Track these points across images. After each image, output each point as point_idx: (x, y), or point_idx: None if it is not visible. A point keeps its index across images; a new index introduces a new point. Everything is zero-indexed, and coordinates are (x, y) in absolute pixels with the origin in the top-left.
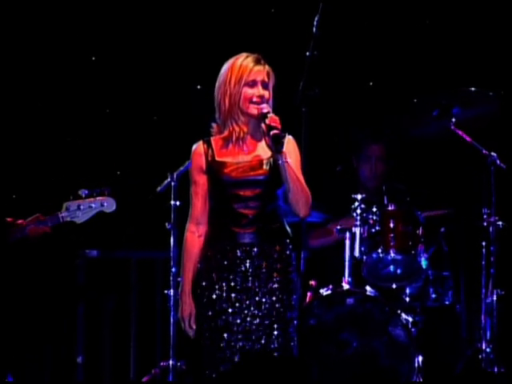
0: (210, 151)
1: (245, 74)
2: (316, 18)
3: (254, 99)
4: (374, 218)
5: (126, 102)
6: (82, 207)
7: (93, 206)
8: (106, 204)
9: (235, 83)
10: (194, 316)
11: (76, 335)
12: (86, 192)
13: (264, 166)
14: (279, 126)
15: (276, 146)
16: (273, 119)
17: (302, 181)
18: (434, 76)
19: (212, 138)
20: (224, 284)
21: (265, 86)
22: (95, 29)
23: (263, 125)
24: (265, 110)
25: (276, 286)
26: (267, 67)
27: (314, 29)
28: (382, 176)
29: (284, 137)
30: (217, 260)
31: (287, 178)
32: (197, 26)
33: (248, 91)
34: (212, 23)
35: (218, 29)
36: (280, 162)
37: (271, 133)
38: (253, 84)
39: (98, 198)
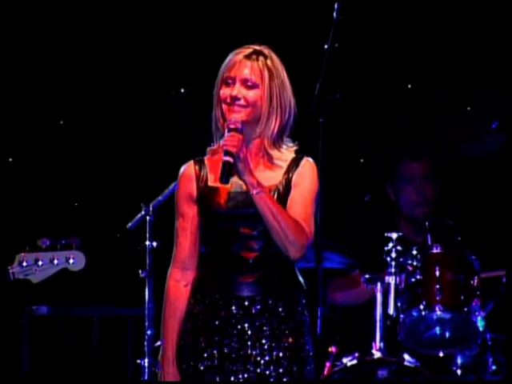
0: (202, 174)
1: (222, 70)
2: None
3: (228, 100)
4: (415, 263)
5: (84, 111)
6: (40, 262)
7: (55, 261)
8: (72, 260)
9: (216, 82)
10: None
11: None
12: (48, 242)
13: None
14: (234, 150)
15: (221, 175)
16: (229, 140)
17: (287, 215)
18: (493, 77)
19: (206, 158)
20: (215, 351)
21: (248, 84)
22: (42, 24)
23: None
24: (231, 126)
25: (284, 353)
26: (260, 63)
27: (335, 13)
28: (432, 200)
29: (232, 169)
30: (205, 319)
31: (262, 212)
32: (180, 14)
33: (224, 90)
34: (200, 10)
35: (207, 17)
36: (249, 193)
37: (223, 158)
38: (230, 82)
39: (63, 252)
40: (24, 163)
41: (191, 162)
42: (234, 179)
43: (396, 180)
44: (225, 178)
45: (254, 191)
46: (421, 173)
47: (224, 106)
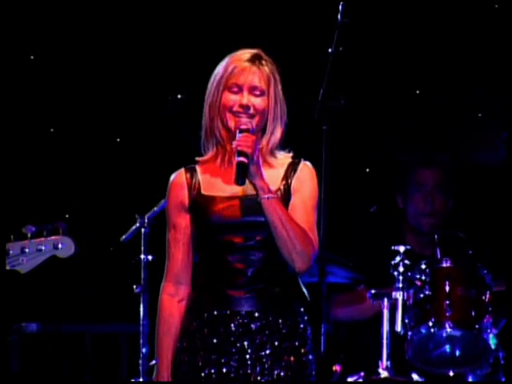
0: (194, 182)
1: (226, 74)
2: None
3: (235, 108)
4: (423, 278)
5: (76, 119)
6: (27, 250)
7: (43, 248)
8: (61, 245)
9: (216, 88)
10: None
11: None
12: (34, 229)
13: None
14: (249, 151)
15: (236, 176)
16: (242, 140)
17: (302, 222)
18: (507, 83)
19: (197, 165)
20: (213, 370)
21: (256, 92)
22: (30, 22)
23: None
24: (243, 126)
25: (285, 372)
26: (266, 69)
27: (339, 15)
28: (441, 213)
29: (247, 168)
30: (203, 336)
31: (270, 220)
32: (177, 15)
33: (228, 97)
34: (199, 12)
35: (207, 19)
36: (258, 198)
37: (236, 159)
38: (236, 89)
39: (50, 238)
40: (14, 173)
41: (182, 170)
42: (229, 186)
43: (406, 187)
44: (241, 178)
45: (265, 196)
46: (432, 181)
47: (228, 115)
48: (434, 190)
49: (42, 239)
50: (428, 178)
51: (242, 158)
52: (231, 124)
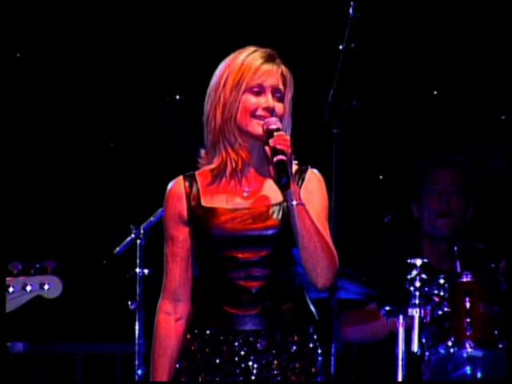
0: (193, 192)
1: (247, 74)
2: None
3: (259, 112)
4: (442, 293)
5: (67, 122)
6: (11, 289)
7: (28, 288)
8: (47, 286)
9: (232, 88)
10: None
11: None
12: (20, 267)
13: (274, 215)
14: (289, 150)
15: (279, 178)
16: (280, 139)
17: (325, 235)
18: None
19: (197, 173)
20: None
21: (278, 95)
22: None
23: (267, 147)
24: (273, 126)
25: None
26: (284, 68)
27: (351, 10)
28: (458, 213)
29: (289, 167)
30: (205, 356)
31: (299, 228)
32: (175, 11)
33: (250, 100)
34: (200, 12)
35: (205, 14)
36: (289, 203)
37: (275, 159)
38: (258, 90)
39: (37, 277)
40: (3, 179)
41: (180, 178)
42: (233, 196)
43: (421, 192)
44: (285, 177)
45: (297, 202)
46: (448, 180)
47: (249, 118)
48: (450, 189)
49: (29, 277)
50: (443, 177)
51: (282, 157)
52: (255, 129)
